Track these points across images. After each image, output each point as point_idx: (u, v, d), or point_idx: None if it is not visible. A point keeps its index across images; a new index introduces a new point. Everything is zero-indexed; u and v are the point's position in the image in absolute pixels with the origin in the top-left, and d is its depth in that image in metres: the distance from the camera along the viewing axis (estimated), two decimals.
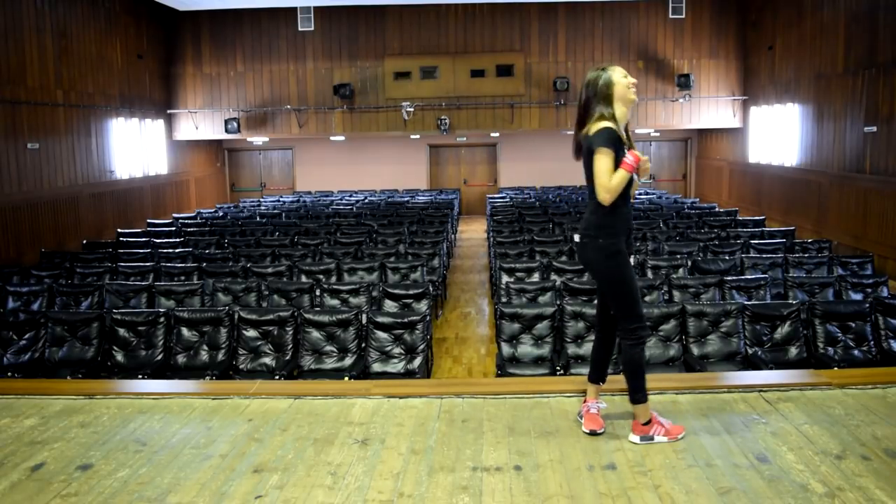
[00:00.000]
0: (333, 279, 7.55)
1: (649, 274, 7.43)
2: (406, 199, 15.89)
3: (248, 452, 3.18)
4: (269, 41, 15.90)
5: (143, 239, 10.73)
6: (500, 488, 2.83)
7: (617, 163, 3.10)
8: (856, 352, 5.25)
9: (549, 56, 15.65)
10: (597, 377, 3.44)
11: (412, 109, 15.55)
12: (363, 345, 5.33)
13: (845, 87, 11.00)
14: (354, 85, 15.78)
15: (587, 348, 5.31)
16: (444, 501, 2.75)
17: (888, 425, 3.30)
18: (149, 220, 13.34)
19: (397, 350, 5.24)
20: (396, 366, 5.20)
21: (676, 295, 6.37)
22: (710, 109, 15.61)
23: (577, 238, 3.34)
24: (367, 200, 15.66)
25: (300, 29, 15.82)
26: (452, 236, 13.38)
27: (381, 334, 5.27)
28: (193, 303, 6.71)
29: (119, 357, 5.50)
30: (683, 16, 15.55)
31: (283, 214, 13.33)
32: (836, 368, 4.67)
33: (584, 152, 3.22)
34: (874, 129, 10.17)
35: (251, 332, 5.44)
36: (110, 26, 13.27)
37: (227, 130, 15.67)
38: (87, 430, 3.44)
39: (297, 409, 3.66)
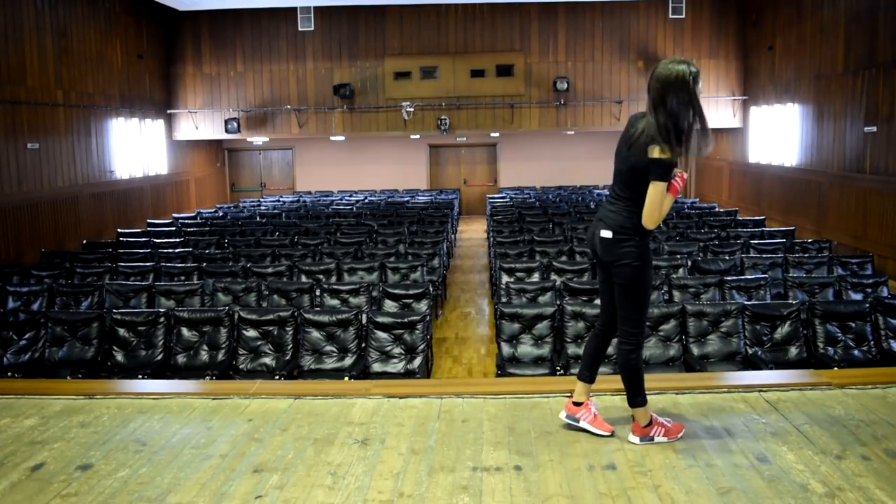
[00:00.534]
0: (333, 279, 7.55)
1: None
2: (406, 199, 15.89)
3: (248, 452, 3.18)
4: (269, 41, 15.90)
5: (143, 239, 10.73)
6: (500, 488, 2.83)
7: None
8: (856, 352, 5.25)
9: (549, 56, 15.65)
10: (592, 376, 3.35)
11: (412, 109, 15.55)
12: (363, 345, 5.33)
13: (845, 87, 11.00)
14: (354, 85, 15.78)
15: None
16: (444, 501, 2.75)
17: (888, 425, 3.30)
18: (149, 220, 13.34)
19: (397, 350, 5.24)
20: (396, 366, 5.20)
21: (676, 295, 6.37)
22: (710, 109, 15.58)
23: (606, 234, 3.11)
24: (367, 200, 15.67)
25: (300, 29, 15.82)
26: (452, 236, 13.38)
27: (381, 334, 5.27)
28: (193, 303, 6.71)
29: (119, 357, 5.50)
30: (683, 16, 15.55)
31: (283, 214, 13.33)
32: (836, 368, 4.67)
33: (639, 159, 3.02)
34: (874, 129, 10.17)
35: (251, 332, 5.44)
36: (110, 26, 13.27)
37: (227, 130, 15.67)
38: (87, 430, 3.44)
39: (297, 409, 3.66)
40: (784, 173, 13.24)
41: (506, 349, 5.39)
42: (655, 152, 2.97)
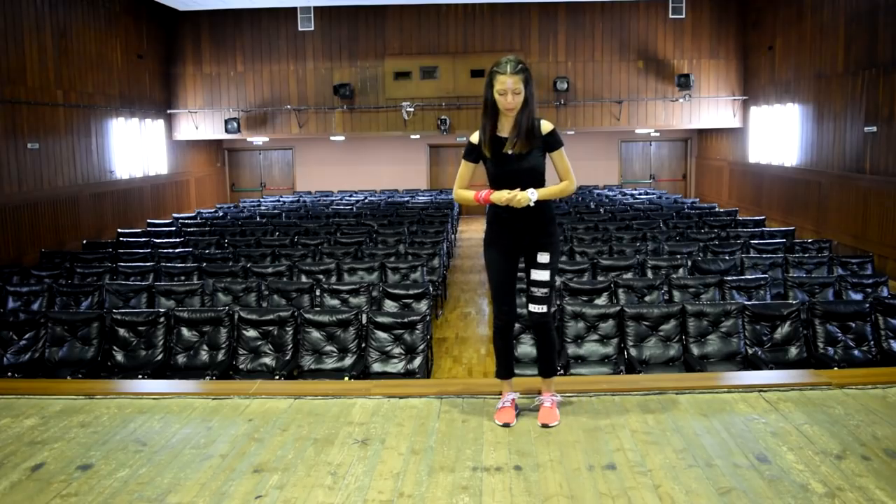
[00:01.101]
0: (333, 279, 7.55)
1: (649, 274, 7.43)
2: (406, 199, 15.89)
3: (248, 452, 3.18)
4: (269, 41, 15.90)
5: (143, 239, 10.73)
6: (500, 488, 2.83)
7: None
8: (856, 352, 5.25)
9: (549, 56, 15.65)
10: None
11: (412, 109, 15.56)
12: (363, 345, 5.33)
13: (845, 87, 11.01)
14: (354, 85, 15.78)
15: (587, 348, 5.32)
16: (444, 501, 2.75)
17: (888, 425, 3.30)
18: (149, 220, 13.34)
19: (397, 350, 5.24)
20: (396, 366, 5.20)
21: (676, 295, 6.37)
22: (710, 109, 15.61)
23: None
24: (367, 200, 15.67)
25: (300, 29, 15.83)
26: (452, 236, 13.38)
27: (381, 334, 5.27)
28: (193, 303, 6.71)
29: (119, 357, 5.50)
30: (683, 16, 15.55)
31: (283, 214, 13.33)
32: (836, 368, 4.67)
33: (546, 144, 3.32)
34: (874, 129, 10.17)
35: (251, 332, 5.44)
36: (110, 26, 13.27)
37: (227, 130, 15.67)
38: (87, 430, 3.44)
39: (297, 409, 3.66)
40: (784, 173, 13.24)
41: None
42: (549, 127, 3.36)
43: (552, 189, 3.30)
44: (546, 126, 3.31)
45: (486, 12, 15.75)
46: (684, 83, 15.04)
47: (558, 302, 5.83)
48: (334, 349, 5.32)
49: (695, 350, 5.27)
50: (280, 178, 19.16)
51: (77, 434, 3.40)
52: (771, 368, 4.93)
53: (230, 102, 15.95)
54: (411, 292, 6.27)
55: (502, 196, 3.21)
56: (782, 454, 3.04)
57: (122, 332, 5.55)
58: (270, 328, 5.44)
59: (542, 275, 3.36)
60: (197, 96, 15.97)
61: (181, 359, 5.43)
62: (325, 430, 3.41)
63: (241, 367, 5.36)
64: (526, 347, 5.35)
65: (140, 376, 5.07)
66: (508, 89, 3.22)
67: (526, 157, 3.27)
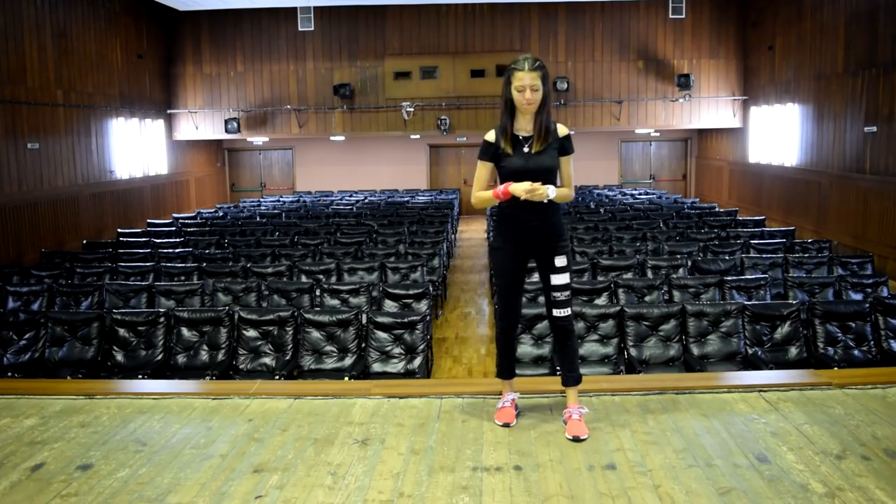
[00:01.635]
0: (333, 279, 7.55)
1: (649, 274, 7.44)
2: (406, 199, 15.89)
3: (248, 452, 3.18)
4: (269, 41, 15.91)
5: (143, 239, 10.73)
6: (500, 488, 2.83)
7: None
8: (856, 352, 5.25)
9: (549, 56, 15.65)
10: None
11: (412, 109, 15.55)
12: (363, 345, 5.33)
13: (845, 87, 11.01)
14: (354, 85, 15.78)
15: (587, 348, 5.32)
16: (444, 501, 2.75)
17: (888, 425, 3.30)
18: (149, 220, 13.34)
19: (397, 350, 5.24)
20: (396, 366, 5.20)
21: (676, 295, 6.37)
22: (710, 109, 15.61)
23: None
24: (367, 200, 15.67)
25: (300, 29, 15.83)
26: (452, 236, 13.38)
27: (381, 334, 5.27)
28: (193, 303, 6.71)
29: (119, 357, 5.50)
30: (683, 16, 15.55)
31: (283, 214, 13.33)
32: (836, 368, 4.67)
33: (562, 147, 3.33)
34: (874, 129, 10.17)
35: (251, 332, 5.44)
36: (110, 26, 13.27)
37: (227, 130, 15.67)
38: (87, 430, 3.44)
39: (297, 409, 3.66)
40: (784, 173, 13.24)
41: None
42: (565, 131, 3.35)
43: (564, 190, 3.34)
44: (563, 129, 3.32)
45: (486, 12, 15.76)
46: (684, 83, 15.04)
47: None
48: (334, 349, 5.32)
49: (695, 350, 5.27)
50: (280, 178, 19.16)
51: (77, 434, 3.40)
52: (771, 368, 4.93)
53: (230, 102, 15.96)
54: (411, 292, 6.27)
55: (523, 186, 3.17)
56: (782, 454, 3.04)
57: (122, 332, 5.55)
58: (270, 328, 5.44)
59: (562, 278, 3.33)
60: (197, 96, 15.97)
61: (181, 359, 5.43)
62: (325, 430, 3.41)
63: (241, 367, 5.36)
64: (526, 347, 5.35)
65: (140, 376, 5.07)
66: (527, 86, 3.17)
67: (543, 156, 3.26)
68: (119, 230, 11.97)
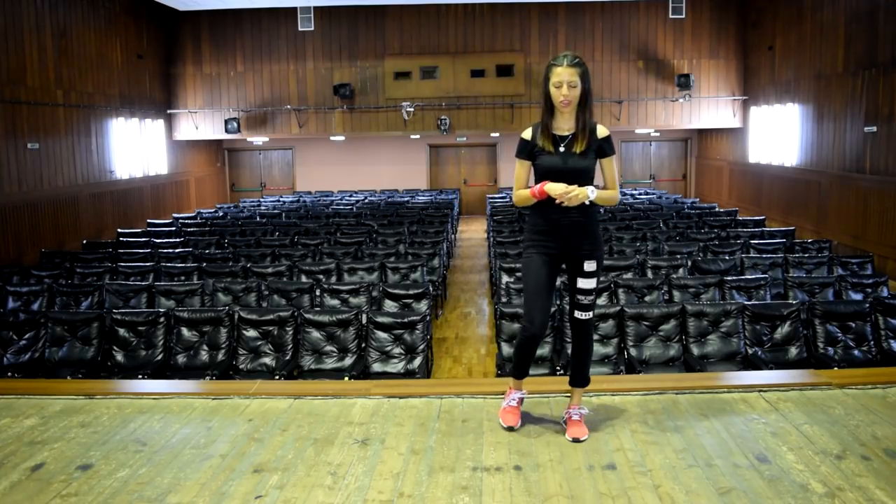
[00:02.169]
0: (333, 279, 7.55)
1: (649, 274, 7.43)
2: (406, 199, 15.89)
3: (248, 452, 3.18)
4: (269, 41, 15.91)
5: (143, 239, 10.73)
6: (500, 488, 2.83)
7: None
8: (856, 352, 5.25)
9: (549, 56, 15.63)
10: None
11: (412, 109, 15.55)
12: (363, 345, 5.33)
13: (845, 87, 11.01)
14: (354, 85, 15.78)
15: None
16: (444, 501, 2.75)
17: (888, 425, 3.30)
18: (149, 220, 13.34)
19: (397, 350, 5.24)
20: (396, 366, 5.20)
21: (676, 295, 6.37)
22: (710, 109, 15.61)
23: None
24: (367, 200, 15.67)
25: (300, 29, 15.83)
26: (452, 236, 13.38)
27: (381, 334, 5.27)
28: (193, 303, 6.71)
29: (119, 357, 5.50)
30: (683, 16, 15.55)
31: (283, 214, 13.33)
32: (836, 368, 4.67)
33: (601, 149, 3.23)
34: (874, 129, 10.17)
35: (251, 332, 5.44)
36: (110, 26, 13.27)
37: (227, 130, 15.67)
38: (87, 430, 3.44)
39: (297, 409, 3.66)
40: (784, 173, 13.24)
41: (506, 349, 5.39)
42: (605, 132, 3.27)
43: (604, 193, 3.20)
44: (602, 130, 3.22)
45: (486, 12, 15.76)
46: (684, 83, 15.04)
47: (557, 302, 5.83)
48: (334, 349, 5.32)
49: (695, 350, 5.27)
50: (280, 178, 19.16)
51: (77, 434, 3.40)
52: (771, 368, 4.94)
53: (230, 102, 15.95)
54: (411, 292, 6.27)
55: (559, 189, 3.08)
56: (782, 454, 3.04)
57: (122, 332, 5.55)
58: (270, 328, 5.44)
59: (589, 283, 3.26)
60: (197, 96, 15.97)
61: (181, 359, 5.43)
62: (325, 430, 3.41)
63: (241, 367, 5.36)
64: None
65: (140, 376, 5.07)
66: (564, 82, 3.09)
67: (581, 157, 3.17)
68: (119, 230, 11.98)
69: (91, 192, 12.30)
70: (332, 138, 17.07)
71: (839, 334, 5.32)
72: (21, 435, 3.40)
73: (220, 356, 5.40)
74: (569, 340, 5.34)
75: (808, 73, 12.32)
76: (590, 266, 3.24)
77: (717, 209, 13.11)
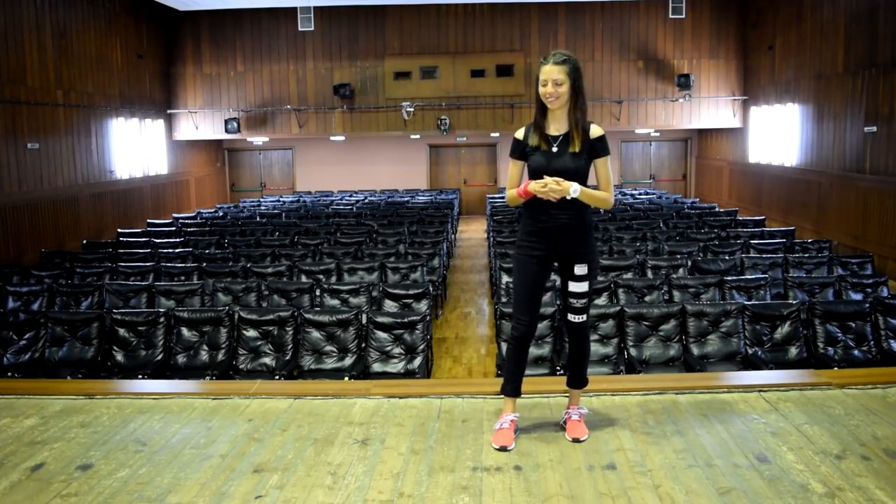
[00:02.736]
0: (333, 279, 7.55)
1: (649, 274, 7.43)
2: (406, 199, 15.89)
3: (248, 452, 3.18)
4: (269, 41, 15.91)
5: (143, 239, 10.73)
6: (500, 488, 2.83)
7: None
8: (856, 352, 5.25)
9: None
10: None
11: (412, 109, 15.55)
12: (363, 345, 5.33)
13: (845, 87, 11.01)
14: (354, 85, 15.78)
15: None
16: (444, 501, 2.75)
17: (888, 425, 3.30)
18: (149, 220, 13.34)
19: (397, 350, 5.24)
20: (396, 366, 5.20)
21: (676, 295, 6.37)
22: (710, 109, 15.61)
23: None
24: (367, 200, 15.67)
25: (300, 29, 15.83)
26: (452, 236, 13.38)
27: (381, 334, 5.27)
28: (193, 303, 6.71)
29: (119, 357, 5.50)
30: (683, 16, 15.55)
31: (283, 214, 13.33)
32: (836, 368, 4.67)
33: (594, 149, 3.16)
34: (874, 129, 10.17)
35: (251, 332, 5.44)
36: (110, 26, 13.27)
37: (227, 130, 15.67)
38: (87, 430, 3.44)
39: (297, 409, 3.66)
40: (784, 173, 13.24)
41: (506, 349, 5.38)
42: (598, 132, 3.20)
43: (595, 192, 3.15)
44: (596, 130, 3.16)
45: (486, 12, 15.76)
46: (684, 83, 15.04)
47: (558, 302, 5.83)
48: (334, 349, 5.32)
49: (695, 350, 5.27)
50: (280, 178, 19.16)
51: (77, 434, 3.40)
52: (771, 368, 4.94)
53: (230, 102, 15.95)
54: (411, 292, 6.27)
55: (538, 183, 3.07)
56: (782, 454, 3.05)
57: (122, 332, 5.55)
58: (270, 328, 5.44)
59: (579, 287, 3.21)
60: (197, 96, 15.97)
61: (181, 359, 5.43)
62: (325, 430, 3.41)
63: (241, 367, 5.36)
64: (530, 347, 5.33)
65: (140, 376, 5.07)
66: (549, 80, 3.08)
67: (573, 157, 3.12)
68: (119, 230, 11.97)
69: (91, 192, 12.30)
70: (332, 138, 17.07)
71: (839, 334, 5.32)
72: (21, 435, 3.40)
73: (220, 356, 5.40)
74: (569, 339, 5.34)
75: (808, 73, 12.32)
76: (580, 269, 3.20)
77: (717, 209, 13.11)
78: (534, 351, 5.34)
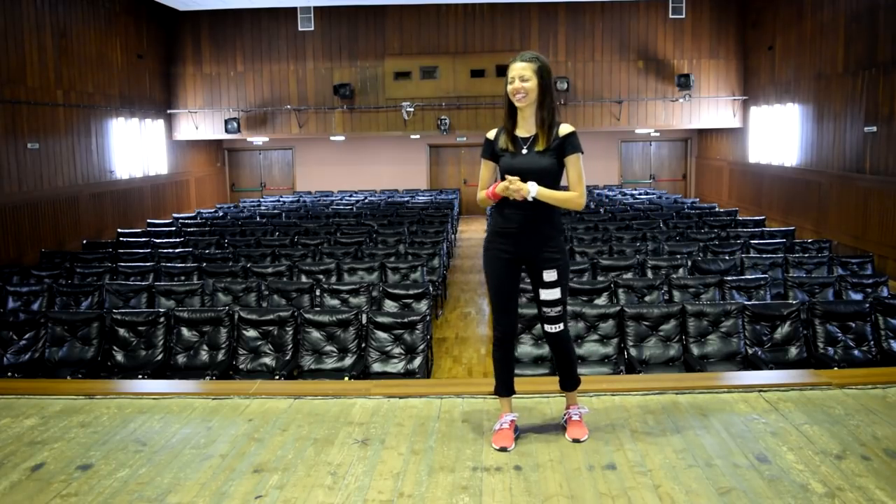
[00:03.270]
0: (333, 279, 7.55)
1: (649, 274, 7.43)
2: (406, 199, 15.89)
3: (248, 452, 3.18)
4: (269, 41, 15.91)
5: (143, 239, 10.73)
6: (500, 488, 2.83)
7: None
8: (856, 352, 5.25)
9: (549, 56, 15.64)
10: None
11: (412, 109, 15.55)
12: (363, 345, 5.33)
13: (845, 87, 11.00)
14: (354, 85, 15.78)
15: (587, 348, 5.32)
16: (444, 501, 2.75)
17: (888, 425, 3.30)
18: (149, 220, 13.34)
19: (397, 350, 5.24)
20: (396, 366, 5.19)
21: (676, 295, 6.36)
22: (710, 109, 15.61)
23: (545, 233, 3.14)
24: (367, 200, 15.66)
25: (300, 29, 15.83)
26: (452, 236, 13.38)
27: (381, 334, 5.27)
28: (193, 303, 6.71)
29: (119, 357, 5.50)
30: (683, 16, 15.55)
31: (283, 214, 13.33)
32: (836, 368, 4.67)
33: (561, 147, 3.10)
34: (874, 129, 10.17)
35: (251, 332, 5.44)
36: (110, 26, 13.27)
37: (227, 130, 15.67)
38: (87, 430, 3.44)
39: (297, 409, 3.66)
40: (784, 173, 13.24)
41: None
42: (567, 129, 3.15)
43: (557, 193, 3.07)
44: (566, 128, 3.10)
45: (486, 12, 15.75)
46: (684, 83, 15.04)
47: None
48: (334, 349, 5.32)
49: (695, 350, 5.27)
50: (280, 178, 19.16)
51: (77, 434, 3.40)
52: (771, 368, 4.93)
53: (230, 102, 15.95)
54: (411, 292, 6.27)
55: (503, 185, 3.03)
56: (782, 454, 3.04)
57: (122, 332, 5.54)
58: (270, 328, 5.44)
59: (551, 294, 3.14)
60: (197, 96, 15.97)
61: (181, 359, 5.43)
62: (325, 430, 3.41)
63: (241, 367, 5.36)
64: (526, 347, 5.35)
65: (140, 376, 5.07)
66: (516, 76, 3.05)
67: (534, 157, 3.08)
68: (119, 230, 11.97)
69: (91, 192, 12.30)
70: (332, 138, 17.07)
71: (839, 334, 5.31)
72: (21, 435, 3.40)
73: (220, 356, 5.40)
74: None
75: (808, 73, 12.32)
76: (549, 276, 3.12)
77: (717, 209, 13.11)
78: (533, 351, 5.34)
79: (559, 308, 3.17)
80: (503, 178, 3.13)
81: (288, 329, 5.41)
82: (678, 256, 7.95)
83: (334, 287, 6.59)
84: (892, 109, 9.70)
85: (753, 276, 6.71)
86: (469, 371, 6.66)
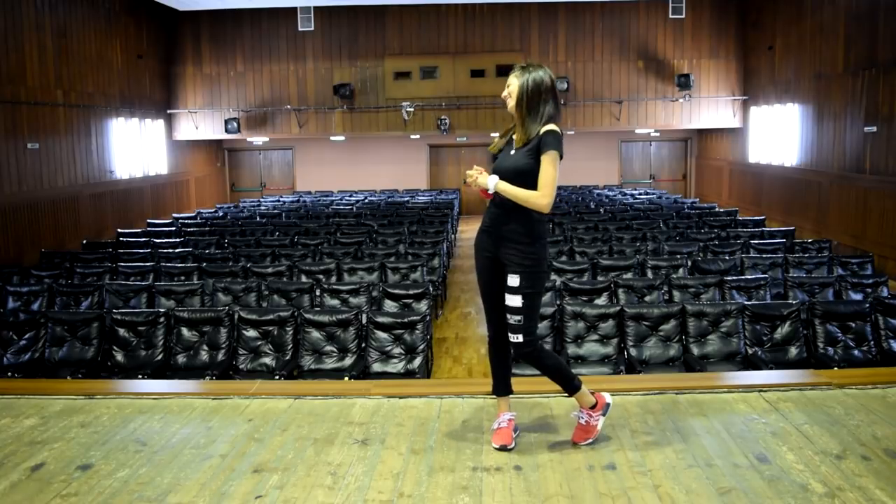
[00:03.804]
0: (333, 279, 7.55)
1: (649, 274, 7.43)
2: (406, 199, 15.89)
3: (248, 452, 3.18)
4: (269, 41, 15.90)
5: (143, 239, 10.73)
6: (500, 488, 2.83)
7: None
8: (856, 352, 5.25)
9: (549, 56, 15.65)
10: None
11: (412, 109, 15.55)
12: (363, 345, 5.33)
13: (845, 87, 11.00)
14: (354, 85, 15.78)
15: (587, 348, 5.32)
16: (444, 501, 2.75)
17: (888, 425, 3.30)
18: (149, 220, 13.34)
19: (397, 350, 5.24)
20: (396, 366, 5.19)
21: (676, 295, 6.36)
22: (710, 109, 15.61)
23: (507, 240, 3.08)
24: (367, 200, 15.66)
25: (300, 29, 15.83)
26: (452, 236, 13.38)
27: (381, 334, 5.27)
28: (193, 303, 6.71)
29: (119, 357, 5.50)
30: (683, 16, 15.55)
31: (283, 214, 13.33)
32: (836, 368, 4.67)
33: (534, 148, 3.03)
34: (874, 129, 10.17)
35: (251, 332, 5.44)
36: (110, 26, 13.27)
37: (227, 130, 15.67)
38: (87, 430, 3.44)
39: (297, 409, 3.66)
40: (784, 173, 13.24)
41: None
42: (546, 128, 3.08)
43: (517, 190, 2.98)
44: (545, 128, 3.02)
45: (486, 12, 15.75)
46: (684, 83, 15.04)
47: (558, 302, 5.83)
48: (334, 349, 5.32)
49: (695, 350, 5.27)
50: (280, 178, 19.16)
51: (77, 434, 3.40)
52: (771, 368, 4.93)
53: (230, 102, 15.95)
54: (411, 292, 6.26)
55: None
56: (782, 454, 3.04)
57: (122, 332, 5.54)
58: (270, 328, 5.43)
59: (513, 300, 3.02)
60: (197, 96, 15.97)
61: (181, 359, 5.43)
62: (325, 430, 3.41)
63: (241, 367, 5.36)
64: None
65: (140, 376, 5.07)
66: (506, 87, 3.13)
67: (519, 157, 3.04)
68: (119, 230, 11.97)
69: (91, 192, 12.30)
70: (332, 138, 17.07)
71: (839, 334, 5.31)
72: (21, 435, 3.40)
73: (220, 356, 5.40)
74: (568, 340, 5.35)
75: (808, 73, 12.32)
76: (512, 280, 3.01)
77: (716, 209, 13.11)
78: None
79: (519, 317, 3.02)
80: None
81: (288, 329, 5.40)
82: (678, 256, 7.95)
83: (334, 287, 6.59)
84: (892, 109, 9.70)
85: (753, 276, 6.72)
86: (469, 371, 6.66)
